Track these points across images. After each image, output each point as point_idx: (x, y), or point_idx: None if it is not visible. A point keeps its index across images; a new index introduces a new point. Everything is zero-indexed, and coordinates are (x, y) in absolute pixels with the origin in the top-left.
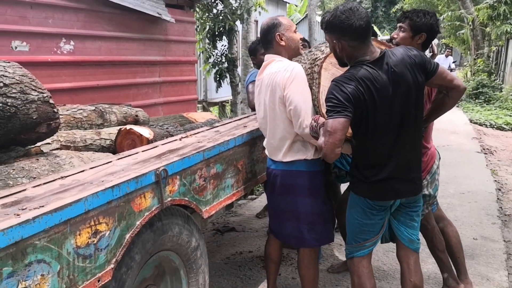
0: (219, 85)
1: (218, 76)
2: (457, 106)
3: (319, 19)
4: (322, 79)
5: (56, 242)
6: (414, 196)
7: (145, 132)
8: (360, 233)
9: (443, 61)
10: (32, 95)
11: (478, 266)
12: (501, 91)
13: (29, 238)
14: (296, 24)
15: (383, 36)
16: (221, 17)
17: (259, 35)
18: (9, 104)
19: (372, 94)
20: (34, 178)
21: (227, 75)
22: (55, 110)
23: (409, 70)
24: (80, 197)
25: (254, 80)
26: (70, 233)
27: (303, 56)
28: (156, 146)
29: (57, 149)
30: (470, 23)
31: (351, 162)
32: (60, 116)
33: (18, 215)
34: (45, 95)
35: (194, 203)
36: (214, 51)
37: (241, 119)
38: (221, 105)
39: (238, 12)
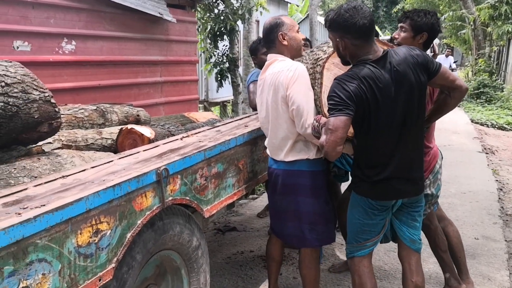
0: (220, 85)
1: (219, 76)
2: (459, 106)
3: (320, 19)
4: (324, 79)
5: (57, 241)
6: (416, 196)
7: (147, 131)
8: (361, 233)
9: (444, 61)
10: (34, 94)
11: (479, 266)
12: (503, 91)
13: (30, 237)
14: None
15: (384, 36)
16: (222, 17)
17: (260, 35)
18: (10, 103)
19: (375, 93)
20: (36, 177)
21: (228, 75)
22: (57, 109)
23: (411, 70)
24: (81, 196)
25: (256, 80)
26: (71, 232)
27: (305, 56)
28: (157, 146)
29: (58, 148)
30: (471, 23)
31: (353, 162)
32: (62, 116)
33: (19, 214)
34: (46, 94)
35: (195, 202)
36: (215, 51)
37: (242, 118)
38: (222, 105)
39: (240, 12)
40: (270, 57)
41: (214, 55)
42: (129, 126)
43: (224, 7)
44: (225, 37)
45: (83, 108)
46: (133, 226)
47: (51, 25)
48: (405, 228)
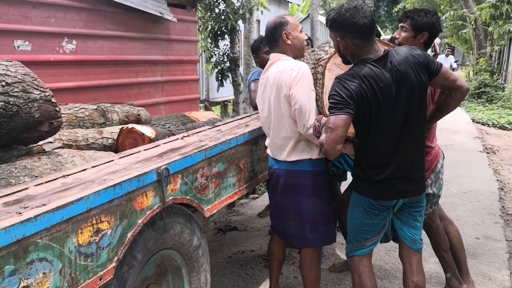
0: (221, 85)
1: (220, 75)
2: (460, 106)
3: (321, 18)
4: (325, 80)
5: (58, 240)
6: (417, 196)
7: (147, 131)
8: (361, 232)
9: (444, 61)
10: (34, 94)
11: (480, 266)
12: (504, 91)
13: (31, 236)
14: None
15: (385, 35)
16: (223, 17)
17: (261, 34)
18: (11, 103)
19: (376, 93)
20: (36, 176)
21: (229, 74)
22: (57, 109)
23: (412, 69)
24: (82, 196)
25: (257, 79)
26: (72, 231)
27: (306, 55)
28: (158, 145)
29: (59, 148)
30: (472, 22)
31: (354, 162)
32: (62, 115)
33: (20, 213)
34: (47, 94)
35: (196, 202)
36: (216, 51)
37: (243, 118)
38: (223, 104)
39: (240, 11)
40: (273, 56)
41: (215, 55)
42: (130, 126)
43: (225, 7)
44: (226, 36)
45: (83, 108)
46: (134, 226)
47: (52, 24)
48: (406, 228)
